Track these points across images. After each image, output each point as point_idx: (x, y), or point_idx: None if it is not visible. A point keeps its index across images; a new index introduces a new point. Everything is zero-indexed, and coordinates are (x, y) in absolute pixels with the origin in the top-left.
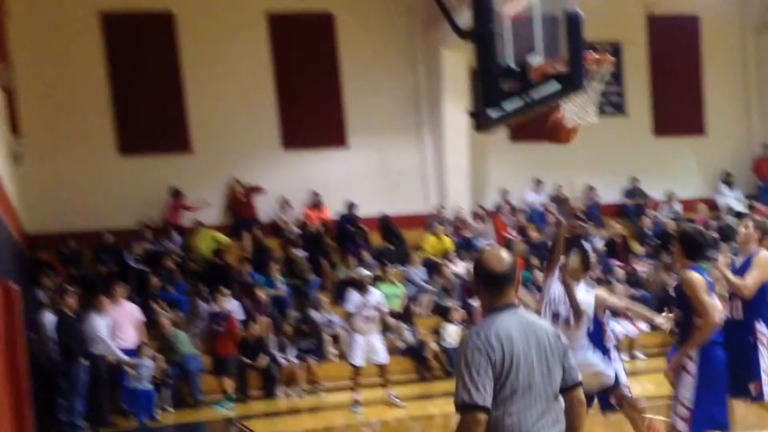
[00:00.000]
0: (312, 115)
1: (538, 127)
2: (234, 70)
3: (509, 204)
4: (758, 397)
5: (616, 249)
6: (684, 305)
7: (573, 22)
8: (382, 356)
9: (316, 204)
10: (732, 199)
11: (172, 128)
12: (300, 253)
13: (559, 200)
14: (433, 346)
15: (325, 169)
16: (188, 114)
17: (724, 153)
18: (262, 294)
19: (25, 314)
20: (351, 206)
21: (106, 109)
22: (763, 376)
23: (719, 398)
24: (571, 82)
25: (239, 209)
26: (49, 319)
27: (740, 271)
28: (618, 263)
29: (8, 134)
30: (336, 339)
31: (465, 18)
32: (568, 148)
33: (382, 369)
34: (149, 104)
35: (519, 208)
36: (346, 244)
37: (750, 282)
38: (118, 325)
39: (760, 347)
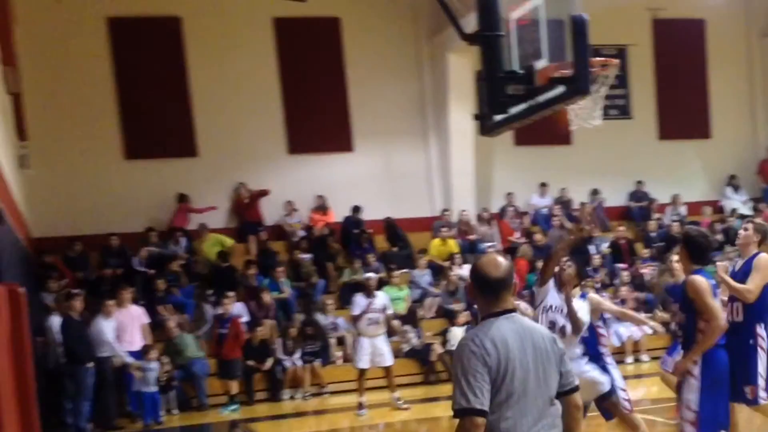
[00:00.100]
0: (318, 119)
1: (544, 131)
2: (240, 74)
3: (514, 207)
4: (753, 401)
5: (621, 252)
6: (688, 309)
7: (578, 26)
8: (388, 359)
9: (321, 207)
10: (737, 202)
11: (179, 132)
12: (305, 257)
13: (564, 204)
14: (438, 349)
15: (330, 173)
16: (194, 118)
17: (730, 156)
18: (267, 297)
19: (32, 317)
20: (356, 210)
21: (112, 114)
22: (760, 380)
23: (722, 400)
24: (577, 86)
25: (245, 213)
26: (55, 322)
27: (739, 274)
28: (623, 266)
29: (15, 138)
30: (341, 342)
31: (471, 22)
32: (573, 151)
33: (387, 372)
34: (156, 109)
35: (524, 212)
36: (351, 247)
37: (753, 287)
38: (124, 329)
39: (760, 351)
